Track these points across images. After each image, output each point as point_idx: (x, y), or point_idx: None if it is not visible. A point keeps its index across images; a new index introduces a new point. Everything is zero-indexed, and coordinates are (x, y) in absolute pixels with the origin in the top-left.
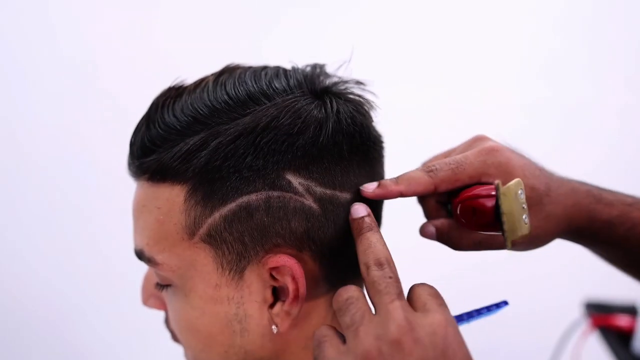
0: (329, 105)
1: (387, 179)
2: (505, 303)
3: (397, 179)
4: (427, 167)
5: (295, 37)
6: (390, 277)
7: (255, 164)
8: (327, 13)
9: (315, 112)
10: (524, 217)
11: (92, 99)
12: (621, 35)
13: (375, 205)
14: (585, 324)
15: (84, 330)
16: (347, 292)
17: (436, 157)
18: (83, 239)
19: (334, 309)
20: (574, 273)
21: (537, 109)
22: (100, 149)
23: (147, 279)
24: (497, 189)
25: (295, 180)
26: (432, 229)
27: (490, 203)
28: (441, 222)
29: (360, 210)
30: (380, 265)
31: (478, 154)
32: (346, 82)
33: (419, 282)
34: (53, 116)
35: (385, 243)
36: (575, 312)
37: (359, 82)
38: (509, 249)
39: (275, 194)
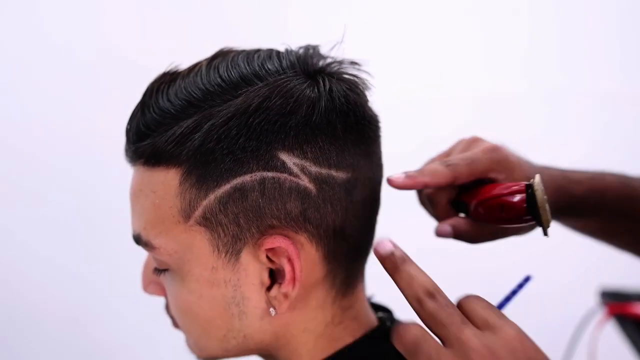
0: (322, 84)
1: (411, 171)
2: (527, 279)
3: (420, 171)
4: (446, 162)
5: (291, 20)
6: (447, 305)
7: (248, 145)
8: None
9: (307, 91)
10: (547, 206)
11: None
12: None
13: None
14: (601, 313)
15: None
16: (409, 333)
17: (439, 157)
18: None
19: (401, 352)
20: (588, 261)
21: (516, 100)
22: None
23: (146, 265)
24: (530, 186)
25: (289, 161)
26: (448, 228)
27: (517, 199)
28: (456, 220)
29: (386, 245)
30: (432, 296)
31: (484, 152)
32: (340, 62)
33: (463, 295)
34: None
35: (422, 270)
36: (590, 300)
37: (353, 63)
38: (546, 236)
39: (270, 174)
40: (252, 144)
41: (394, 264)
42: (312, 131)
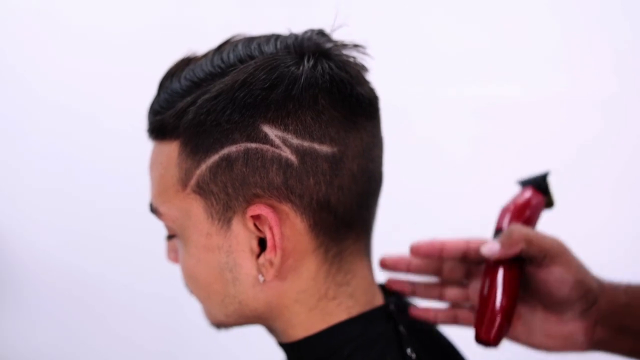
0: (306, 61)
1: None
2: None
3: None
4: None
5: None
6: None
7: (232, 117)
8: None
9: (292, 68)
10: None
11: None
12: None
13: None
14: None
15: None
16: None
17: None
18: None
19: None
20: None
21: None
22: None
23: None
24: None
25: (271, 133)
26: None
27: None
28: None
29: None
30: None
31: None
32: (341, 45)
33: None
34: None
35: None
36: None
37: (357, 46)
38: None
39: (253, 145)
40: (237, 117)
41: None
42: (294, 105)
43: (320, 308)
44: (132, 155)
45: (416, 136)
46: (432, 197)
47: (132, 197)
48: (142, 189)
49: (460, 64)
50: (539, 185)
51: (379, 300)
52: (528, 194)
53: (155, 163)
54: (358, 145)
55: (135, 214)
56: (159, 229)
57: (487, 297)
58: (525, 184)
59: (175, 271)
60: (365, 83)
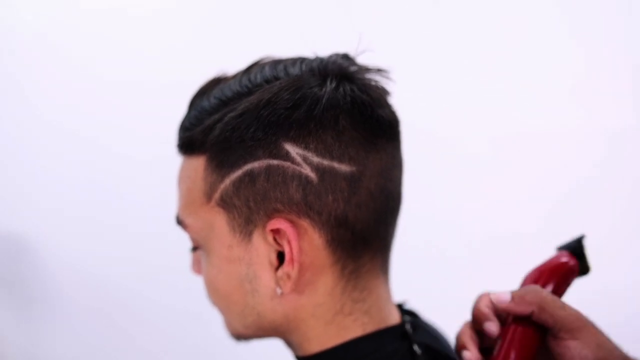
0: (329, 83)
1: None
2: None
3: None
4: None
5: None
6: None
7: (256, 134)
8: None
9: (315, 89)
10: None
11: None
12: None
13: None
14: None
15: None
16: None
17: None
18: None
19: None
20: None
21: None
22: None
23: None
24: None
25: (293, 151)
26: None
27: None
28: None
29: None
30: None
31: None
32: (364, 69)
33: None
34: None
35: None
36: None
37: (380, 70)
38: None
39: (275, 162)
40: (260, 134)
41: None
42: (315, 125)
43: (337, 323)
44: (170, 175)
45: (439, 158)
46: (446, 214)
47: (162, 213)
48: (172, 208)
49: (484, 91)
50: (574, 250)
51: (394, 318)
52: (561, 258)
53: (183, 176)
54: (377, 166)
55: (164, 228)
56: (187, 244)
57: (497, 354)
58: (561, 248)
59: (200, 286)
60: (386, 106)
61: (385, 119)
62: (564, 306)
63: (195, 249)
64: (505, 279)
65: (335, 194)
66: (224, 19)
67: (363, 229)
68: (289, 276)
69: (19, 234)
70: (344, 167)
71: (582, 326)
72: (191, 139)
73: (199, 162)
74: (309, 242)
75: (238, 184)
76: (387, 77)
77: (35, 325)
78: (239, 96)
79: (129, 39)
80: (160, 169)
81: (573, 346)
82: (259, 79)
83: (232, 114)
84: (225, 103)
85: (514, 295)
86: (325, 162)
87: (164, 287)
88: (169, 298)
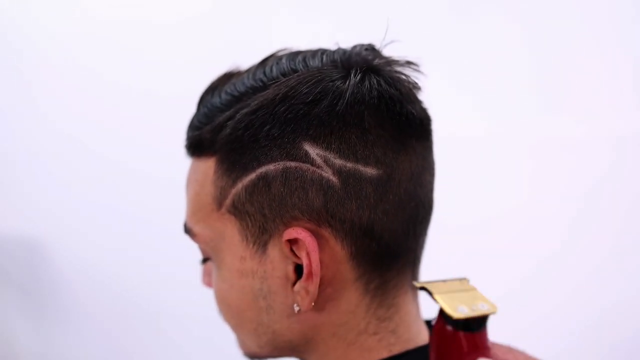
0: (353, 75)
1: None
2: None
3: None
4: None
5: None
6: None
7: (272, 133)
8: None
9: (338, 82)
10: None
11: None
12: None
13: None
14: None
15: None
16: None
17: None
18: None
19: None
20: None
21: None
22: None
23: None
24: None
25: (312, 151)
26: None
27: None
28: None
29: None
30: None
31: None
32: (392, 61)
33: None
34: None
35: None
36: None
37: (409, 62)
38: None
39: (293, 164)
40: (276, 133)
41: None
42: (338, 122)
43: (360, 343)
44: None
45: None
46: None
47: (179, 218)
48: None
49: (521, 96)
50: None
51: (424, 337)
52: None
53: (191, 180)
54: (406, 168)
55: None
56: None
57: None
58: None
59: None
60: (416, 101)
61: (416, 116)
62: None
63: (205, 260)
64: (510, 289)
65: (360, 201)
66: (239, 14)
67: (390, 239)
68: (307, 292)
69: (32, 239)
70: (369, 170)
71: None
72: (200, 139)
73: (208, 165)
74: (329, 253)
75: (251, 188)
76: (417, 70)
77: (49, 329)
78: (253, 91)
79: (144, 48)
80: (180, 174)
81: None
82: (275, 72)
83: (244, 110)
84: (237, 99)
85: None
86: (349, 165)
87: (179, 292)
88: (184, 303)
